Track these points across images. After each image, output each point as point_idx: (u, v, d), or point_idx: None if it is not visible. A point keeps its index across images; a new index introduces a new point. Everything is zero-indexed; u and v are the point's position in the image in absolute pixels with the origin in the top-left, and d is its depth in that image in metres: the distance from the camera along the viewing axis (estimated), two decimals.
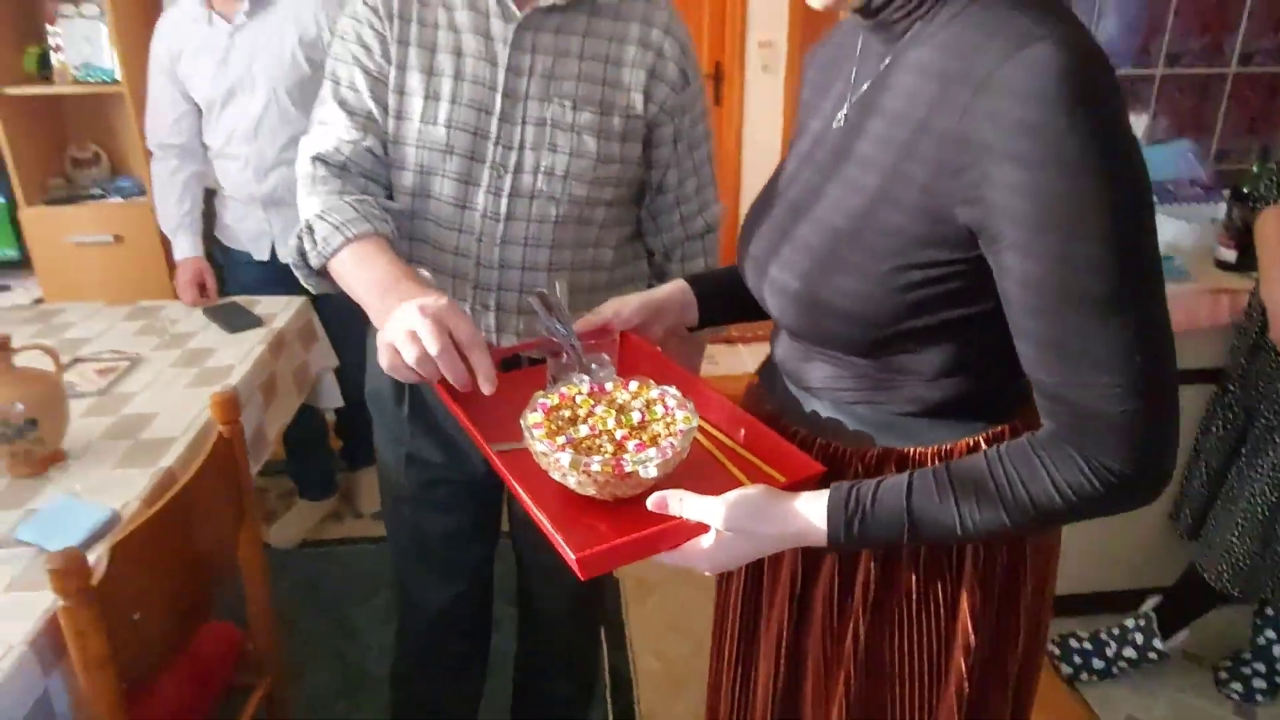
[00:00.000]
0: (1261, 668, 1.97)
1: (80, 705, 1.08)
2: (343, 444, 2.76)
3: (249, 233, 2.27)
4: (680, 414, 0.84)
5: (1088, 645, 2.05)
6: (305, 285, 1.16)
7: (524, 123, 1.16)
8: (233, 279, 2.31)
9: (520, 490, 0.78)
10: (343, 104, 1.18)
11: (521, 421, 0.83)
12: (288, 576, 2.35)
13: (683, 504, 0.74)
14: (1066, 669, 2.04)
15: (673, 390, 0.88)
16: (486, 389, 0.88)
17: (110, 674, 1.06)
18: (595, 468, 0.75)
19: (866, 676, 0.89)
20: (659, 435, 0.81)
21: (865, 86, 0.80)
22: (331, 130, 1.18)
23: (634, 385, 0.90)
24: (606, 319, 1.01)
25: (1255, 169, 1.95)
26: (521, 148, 1.16)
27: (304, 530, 2.58)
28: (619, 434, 0.82)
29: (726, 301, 1.04)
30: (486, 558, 1.51)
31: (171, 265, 2.34)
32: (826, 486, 0.76)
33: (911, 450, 0.83)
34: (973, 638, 0.85)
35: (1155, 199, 2.27)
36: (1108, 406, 0.67)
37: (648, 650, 2.13)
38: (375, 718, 1.93)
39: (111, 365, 1.76)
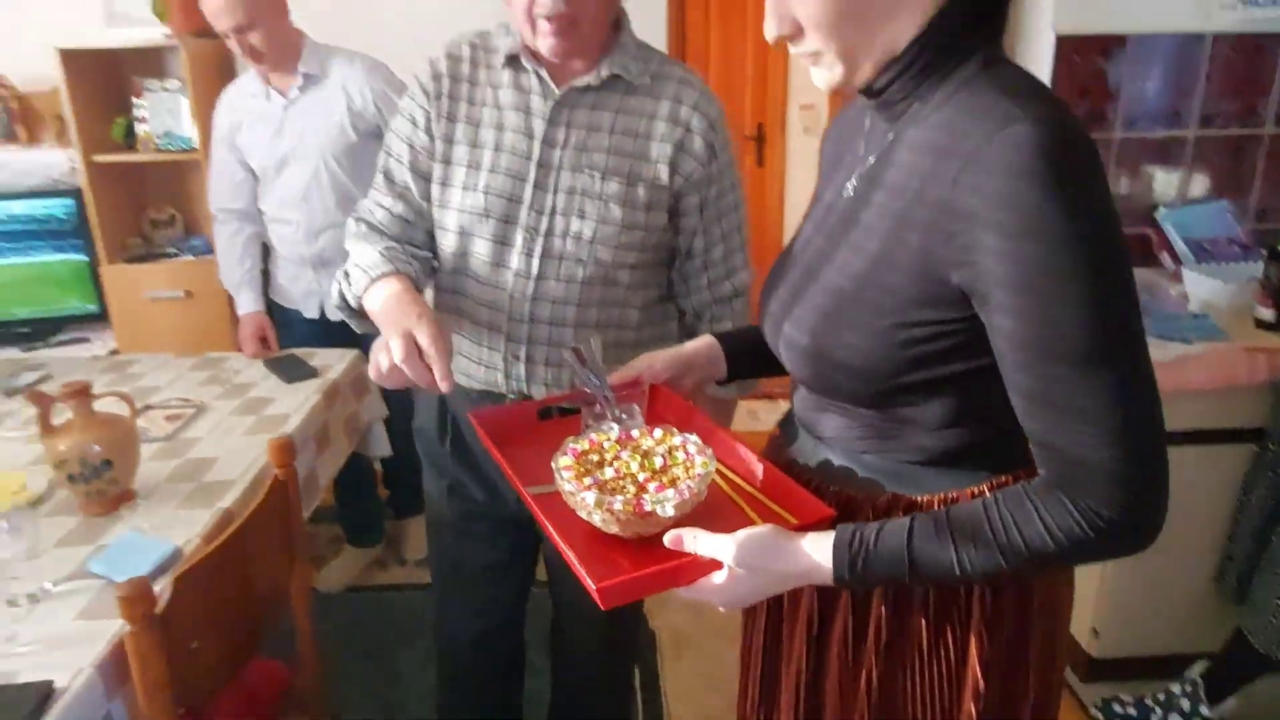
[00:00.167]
0: None
1: None
2: (390, 493, 2.86)
3: (300, 292, 2.42)
4: (699, 459, 0.90)
5: (1132, 710, 2.01)
6: (351, 326, 1.31)
7: (555, 190, 1.26)
8: (286, 335, 2.44)
9: (549, 527, 0.84)
10: (386, 174, 1.35)
11: (553, 464, 0.90)
12: (334, 619, 2.43)
13: (697, 541, 0.79)
14: None
15: (694, 438, 0.94)
16: (443, 387, 1.06)
17: (168, 698, 1.13)
18: (618, 506, 0.81)
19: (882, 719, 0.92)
20: (678, 478, 0.87)
21: (871, 160, 0.87)
22: (374, 195, 1.35)
23: (658, 433, 0.96)
24: (638, 373, 1.08)
25: None
26: (553, 213, 1.26)
27: (351, 575, 2.66)
28: (641, 477, 0.88)
29: (753, 357, 1.11)
30: (519, 594, 1.58)
31: (235, 319, 2.48)
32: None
33: (920, 498, 0.87)
34: (982, 684, 0.88)
35: (1193, 257, 2.30)
36: (1093, 454, 0.71)
37: (682, 705, 2.15)
38: None
39: (179, 412, 1.88)
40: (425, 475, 1.52)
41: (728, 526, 0.81)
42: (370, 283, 1.21)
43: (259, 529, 1.37)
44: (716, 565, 0.79)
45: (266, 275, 2.48)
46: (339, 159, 2.24)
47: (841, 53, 0.79)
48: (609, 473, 0.88)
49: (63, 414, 1.46)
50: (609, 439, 0.95)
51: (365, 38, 2.42)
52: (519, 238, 1.28)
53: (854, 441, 0.90)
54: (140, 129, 2.91)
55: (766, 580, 0.79)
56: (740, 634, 1.11)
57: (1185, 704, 1.97)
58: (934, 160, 0.76)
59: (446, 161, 1.30)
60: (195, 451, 1.72)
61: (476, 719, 1.66)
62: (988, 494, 0.83)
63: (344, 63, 2.25)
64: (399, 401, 2.38)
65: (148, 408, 1.89)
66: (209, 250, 2.97)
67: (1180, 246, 2.35)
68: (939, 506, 0.85)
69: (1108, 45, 2.33)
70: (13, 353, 2.76)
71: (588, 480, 0.86)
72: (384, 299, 1.18)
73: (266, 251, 2.47)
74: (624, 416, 1.05)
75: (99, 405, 1.49)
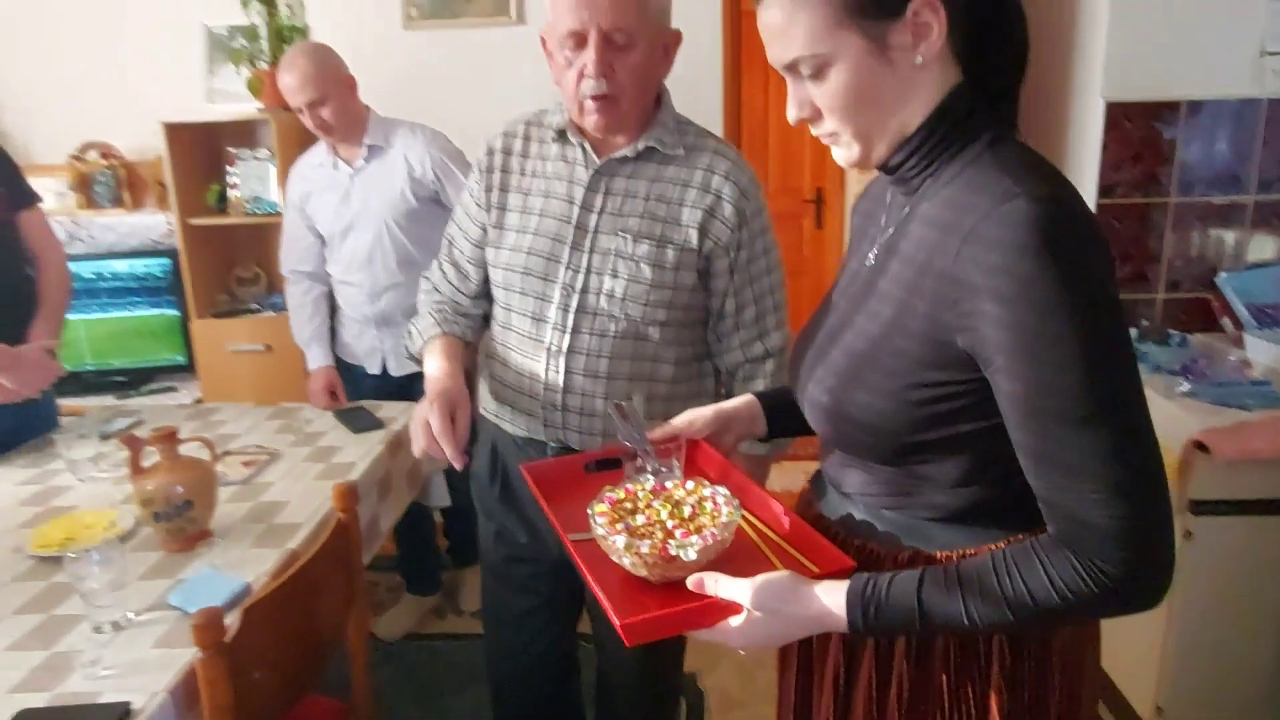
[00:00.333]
0: None
1: None
2: (449, 543, 2.94)
3: (363, 349, 2.56)
4: (726, 509, 0.95)
5: None
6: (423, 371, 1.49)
7: (591, 251, 1.38)
8: (351, 389, 2.57)
9: (584, 568, 0.91)
10: (450, 240, 1.54)
11: (589, 510, 0.96)
12: (391, 665, 2.50)
13: (717, 584, 0.84)
14: None
15: (723, 490, 1.00)
16: (455, 465, 1.27)
17: None
18: (644, 550, 0.87)
19: None
20: (704, 526, 0.93)
21: (890, 232, 0.93)
22: (439, 259, 1.55)
23: (690, 485, 1.02)
24: (680, 429, 1.14)
25: None
26: (588, 272, 1.38)
27: (409, 623, 2.72)
28: (670, 524, 0.93)
29: (791, 416, 1.15)
30: (554, 640, 1.64)
31: (308, 373, 2.62)
32: None
33: (939, 554, 0.90)
34: None
35: (1255, 322, 2.26)
36: (1093, 511, 0.75)
37: None
38: None
39: (254, 458, 2.00)
40: (479, 519, 1.62)
41: (752, 572, 0.85)
42: (424, 345, 1.47)
43: (322, 568, 1.46)
44: (736, 608, 0.84)
45: (334, 332, 2.63)
46: (400, 223, 2.40)
47: (857, 134, 0.86)
48: (640, 519, 0.95)
49: (151, 457, 1.59)
50: (643, 489, 1.01)
51: (425, 115, 2.56)
52: (556, 294, 1.39)
53: (875, 497, 0.95)
54: (231, 194, 3.14)
55: (783, 624, 0.84)
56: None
57: None
58: (940, 233, 0.82)
59: (499, 226, 1.45)
60: (268, 495, 1.83)
61: None
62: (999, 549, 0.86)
63: (406, 134, 2.42)
64: None
65: (227, 453, 2.02)
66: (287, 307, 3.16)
67: (1241, 311, 2.32)
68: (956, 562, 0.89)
69: (1159, 110, 2.35)
70: (108, 400, 2.97)
71: (619, 525, 0.92)
72: (428, 371, 1.42)
73: (334, 309, 2.62)
74: (663, 470, 1.11)
75: (183, 449, 1.62)
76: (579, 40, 1.29)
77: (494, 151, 1.47)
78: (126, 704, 1.16)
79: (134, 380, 3.23)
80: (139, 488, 1.54)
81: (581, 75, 1.30)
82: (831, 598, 0.83)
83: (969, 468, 0.87)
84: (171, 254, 3.16)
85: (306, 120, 2.34)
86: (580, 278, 1.39)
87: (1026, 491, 0.87)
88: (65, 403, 2.48)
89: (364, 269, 2.44)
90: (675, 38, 1.39)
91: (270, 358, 3.08)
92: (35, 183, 2.29)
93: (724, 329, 1.47)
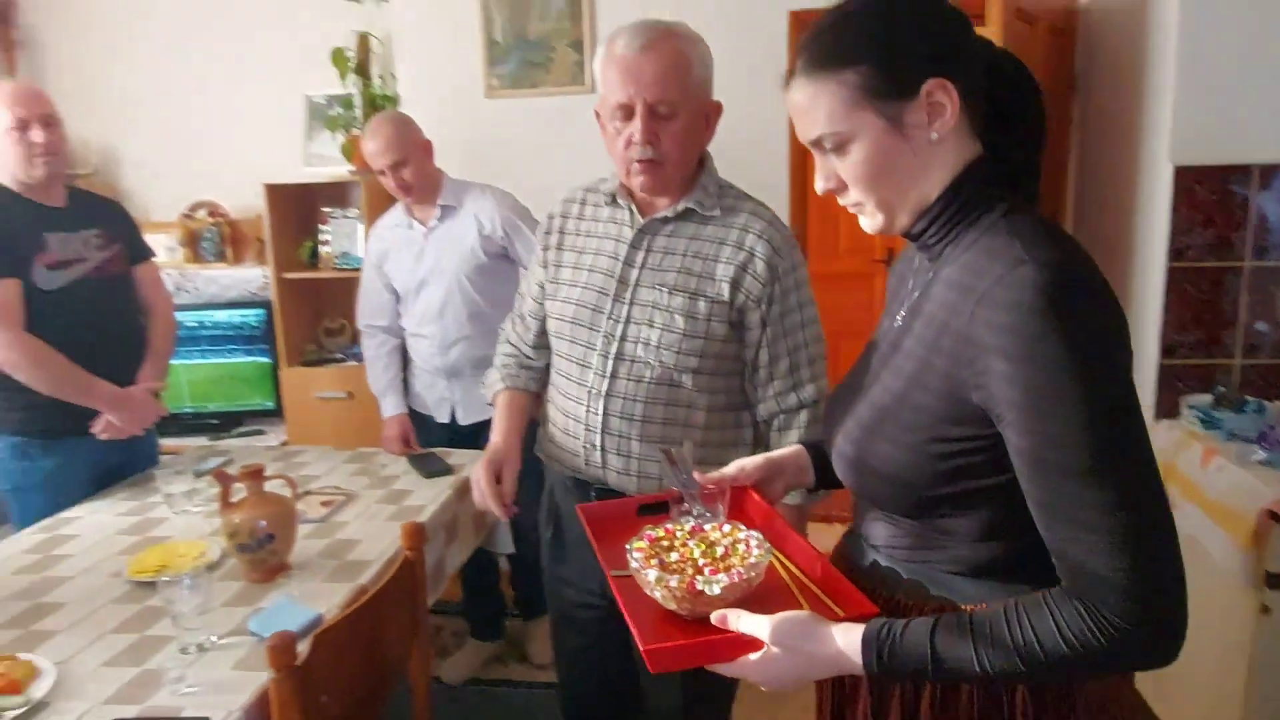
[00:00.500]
0: None
1: None
2: (515, 592, 2.96)
3: (434, 399, 2.68)
4: (756, 551, 1.00)
5: None
6: None
7: (631, 303, 1.50)
8: (421, 437, 2.68)
9: (620, 599, 0.97)
10: (520, 297, 1.71)
11: (627, 546, 1.03)
12: (454, 707, 2.56)
13: (739, 619, 0.89)
14: None
15: (756, 534, 1.05)
16: (502, 516, 1.57)
17: None
18: (673, 584, 0.93)
19: None
20: (733, 565, 0.98)
21: (916, 295, 0.99)
22: (509, 317, 1.72)
23: (727, 527, 1.07)
24: (730, 476, 1.19)
25: None
26: (627, 322, 1.50)
27: (472, 668, 2.76)
28: (701, 562, 0.99)
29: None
30: (602, 681, 1.70)
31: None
32: None
33: (963, 607, 0.93)
34: None
35: None
36: (1102, 564, 0.77)
37: None
38: None
39: (332, 498, 2.13)
40: (545, 562, 1.73)
41: (778, 611, 0.90)
42: (494, 396, 1.70)
43: (388, 602, 1.55)
44: (758, 644, 0.88)
45: (407, 383, 2.76)
46: (471, 278, 2.53)
47: (879, 204, 0.93)
48: (674, 556, 1.01)
49: (239, 493, 1.72)
50: (682, 529, 1.08)
51: (503, 178, 2.71)
52: (599, 342, 1.52)
53: (898, 550, 0.99)
54: (323, 250, 3.36)
55: (800, 661, 0.87)
56: None
57: None
58: (958, 296, 0.87)
59: (555, 281, 1.60)
60: (342, 533, 1.94)
61: None
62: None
63: (477, 194, 2.58)
64: (524, 503, 2.56)
65: (307, 492, 2.15)
66: None
67: None
68: None
69: (1231, 174, 2.33)
70: (203, 440, 3.17)
71: (654, 560, 0.99)
72: (494, 419, 1.66)
73: (407, 361, 2.75)
74: (707, 514, 1.16)
75: (268, 487, 1.74)
76: (627, 112, 1.43)
77: (554, 216, 1.64)
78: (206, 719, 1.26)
79: (226, 423, 3.44)
80: (227, 520, 1.67)
81: (629, 142, 1.44)
82: (847, 639, 0.87)
83: (990, 522, 0.90)
84: (266, 305, 3.39)
85: (388, 182, 2.51)
86: (620, 327, 1.51)
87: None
88: (165, 442, 2.67)
89: (436, 322, 2.58)
90: (716, 109, 1.52)
91: (352, 405, 3.25)
92: (150, 238, 2.53)
93: (759, 379, 1.54)
